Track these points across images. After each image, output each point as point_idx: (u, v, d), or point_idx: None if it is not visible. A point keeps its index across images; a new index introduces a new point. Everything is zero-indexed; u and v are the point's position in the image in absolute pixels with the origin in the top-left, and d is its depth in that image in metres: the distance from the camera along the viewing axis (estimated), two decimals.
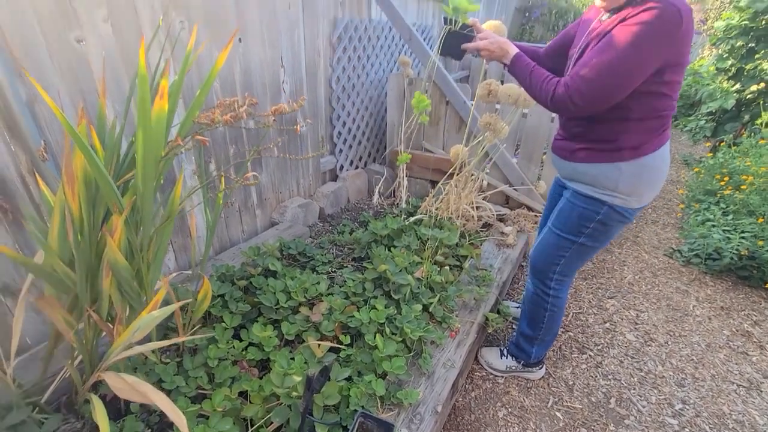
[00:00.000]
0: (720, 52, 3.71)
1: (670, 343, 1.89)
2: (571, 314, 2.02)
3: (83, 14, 1.21)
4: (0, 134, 1.11)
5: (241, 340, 1.33)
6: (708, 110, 3.68)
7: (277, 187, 2.25)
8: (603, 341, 1.87)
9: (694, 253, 2.45)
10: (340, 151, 2.78)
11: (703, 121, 3.79)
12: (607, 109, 1.03)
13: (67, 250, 0.96)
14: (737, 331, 1.99)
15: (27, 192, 1.19)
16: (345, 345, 1.34)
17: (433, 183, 2.80)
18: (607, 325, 1.98)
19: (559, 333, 1.88)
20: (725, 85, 3.66)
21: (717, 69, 3.75)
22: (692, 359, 1.80)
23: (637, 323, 2.00)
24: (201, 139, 0.73)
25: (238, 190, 1.98)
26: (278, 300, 1.45)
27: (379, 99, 3.05)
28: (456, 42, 1.30)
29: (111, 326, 0.99)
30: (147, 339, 1.26)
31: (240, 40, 1.74)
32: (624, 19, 0.95)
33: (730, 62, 3.60)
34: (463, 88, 2.53)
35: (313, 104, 2.31)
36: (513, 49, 1.18)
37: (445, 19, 1.34)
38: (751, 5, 3.25)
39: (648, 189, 1.15)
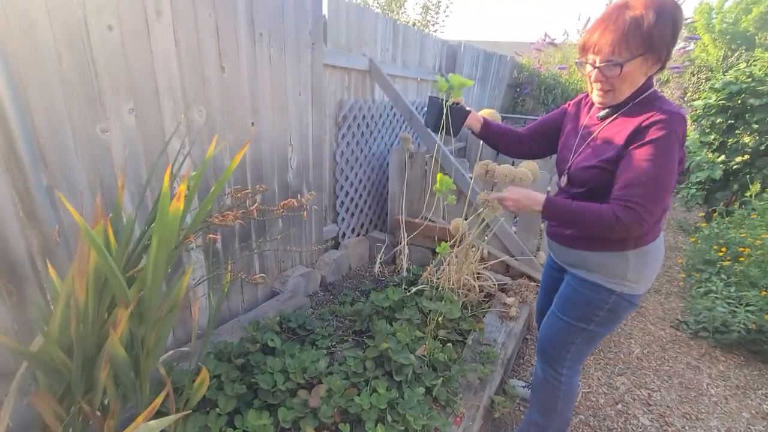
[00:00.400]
0: (702, 127, 3.94)
1: (687, 428, 1.78)
2: (581, 394, 1.93)
3: (111, 106, 1.32)
4: (17, 217, 1.16)
5: (235, 428, 1.26)
6: (697, 179, 3.82)
7: (279, 257, 2.27)
8: (616, 425, 1.77)
9: (702, 325, 2.40)
10: (342, 219, 2.85)
11: (694, 190, 3.91)
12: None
13: (67, 338, 0.95)
14: (757, 413, 1.89)
15: (35, 274, 1.21)
16: None
17: (434, 251, 2.82)
18: (619, 406, 1.88)
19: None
20: (711, 156, 3.83)
21: (701, 142, 3.95)
22: None
23: (650, 404, 1.91)
24: (212, 237, 0.77)
25: (241, 262, 2.01)
26: (276, 381, 1.40)
27: (381, 169, 3.18)
28: (456, 119, 1.40)
29: (102, 419, 0.96)
30: None
31: (252, 123, 1.87)
32: (639, 131, 0.99)
33: (713, 137, 3.80)
34: (461, 163, 2.66)
35: (317, 177, 2.42)
36: (540, 196, 1.15)
37: (434, 98, 1.43)
38: (726, 87, 3.52)
39: (653, 274, 1.18)
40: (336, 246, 2.86)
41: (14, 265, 1.17)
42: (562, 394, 1.34)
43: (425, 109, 3.70)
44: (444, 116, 1.39)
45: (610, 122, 1.11)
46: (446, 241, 2.49)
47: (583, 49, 1.05)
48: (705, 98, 3.76)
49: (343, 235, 2.90)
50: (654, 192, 0.99)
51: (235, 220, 0.80)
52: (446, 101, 1.40)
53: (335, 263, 2.62)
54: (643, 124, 0.99)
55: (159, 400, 0.83)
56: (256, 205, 0.82)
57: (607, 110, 1.12)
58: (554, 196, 1.19)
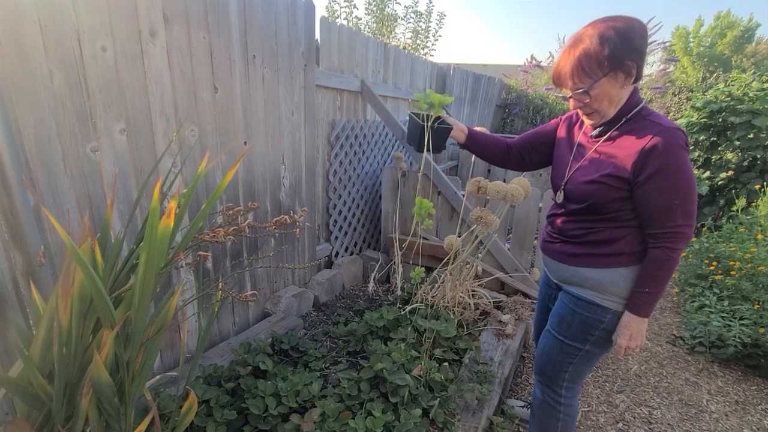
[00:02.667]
0: None
1: None
2: (581, 413, 1.89)
3: (102, 127, 1.32)
4: (1, 239, 1.13)
5: None
6: None
7: (272, 277, 2.23)
8: None
9: (698, 340, 2.39)
10: (336, 238, 2.83)
11: None
12: (607, 216, 1.10)
13: (48, 363, 0.91)
14: (758, 429, 1.86)
15: (18, 296, 1.17)
16: None
17: (429, 269, 2.81)
18: (620, 425, 1.84)
19: None
20: (696, 172, 3.92)
21: None
22: None
23: (651, 422, 1.87)
24: (203, 255, 0.76)
25: (232, 282, 1.97)
26: (267, 406, 1.35)
27: (374, 188, 3.19)
28: (438, 136, 1.34)
29: None
30: None
31: (245, 142, 1.87)
32: (646, 156, 1.00)
33: (697, 153, 3.91)
34: (453, 180, 2.68)
35: (310, 196, 2.41)
36: (639, 320, 1.10)
37: (417, 115, 1.34)
38: (706, 106, 3.64)
39: None
40: (329, 265, 2.83)
41: None
42: (562, 416, 1.30)
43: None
44: (426, 133, 1.35)
45: (607, 138, 1.11)
46: (440, 258, 2.48)
47: (554, 83, 1.12)
48: (687, 116, 3.88)
49: (337, 254, 2.87)
50: (689, 209, 1.02)
51: (226, 237, 0.79)
52: (427, 118, 1.35)
53: (328, 283, 2.58)
54: (647, 147, 1.00)
55: (143, 428, 0.79)
56: (248, 221, 0.81)
57: (599, 128, 1.14)
58: (632, 298, 1.12)
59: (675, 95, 7.49)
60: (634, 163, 1.03)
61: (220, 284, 0.88)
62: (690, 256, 3.03)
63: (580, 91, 1.04)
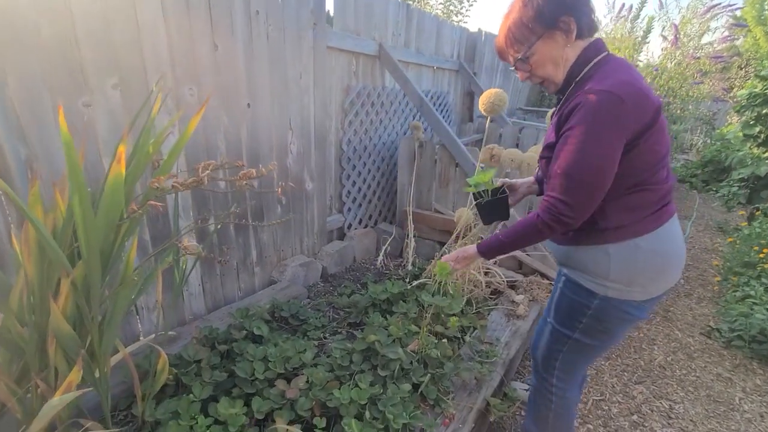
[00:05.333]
0: (746, 119, 3.60)
1: None
2: (591, 401, 1.77)
3: (94, 81, 1.30)
4: None
5: (207, 416, 1.21)
6: (740, 176, 3.49)
7: (278, 246, 2.22)
8: None
9: (736, 333, 2.17)
10: (349, 209, 2.77)
11: (736, 188, 3.58)
12: None
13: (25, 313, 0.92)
14: None
15: (11, 249, 1.20)
16: (320, 429, 1.19)
17: (441, 244, 2.71)
18: (635, 417, 1.71)
19: (577, 425, 1.63)
20: (756, 151, 3.50)
21: (745, 135, 3.62)
22: None
23: (670, 417, 1.72)
24: (155, 204, 0.71)
25: (237, 248, 1.96)
26: (254, 370, 1.34)
27: (391, 160, 3.08)
28: (499, 207, 1.25)
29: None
30: (98, 413, 1.16)
31: (249, 105, 1.82)
32: (566, 117, 0.90)
33: (758, 129, 3.47)
34: (473, 152, 2.53)
35: (320, 165, 2.35)
36: (472, 248, 1.16)
37: (476, 194, 1.27)
38: None
39: (651, 278, 0.98)
40: (341, 237, 2.79)
41: None
42: (554, 406, 1.20)
43: (446, 101, 3.56)
44: (493, 206, 1.25)
45: (559, 108, 0.98)
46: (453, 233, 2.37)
47: (501, 59, 1.05)
48: (750, 87, 3.43)
49: (349, 225, 2.82)
50: (572, 188, 0.89)
51: (184, 187, 0.73)
52: (487, 194, 1.25)
53: (338, 254, 2.55)
54: (566, 110, 0.90)
55: (74, 377, 0.77)
56: (207, 173, 0.75)
57: (558, 98, 1.02)
58: (485, 239, 1.13)
59: (741, 68, 6.70)
60: (556, 124, 0.94)
61: (175, 239, 0.83)
62: (738, 242, 2.73)
63: (519, 59, 0.97)
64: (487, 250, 1.11)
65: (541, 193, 1.16)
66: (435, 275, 2.21)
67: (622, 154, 0.87)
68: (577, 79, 0.94)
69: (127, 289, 0.86)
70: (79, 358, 0.76)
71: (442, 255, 2.31)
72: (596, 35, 0.97)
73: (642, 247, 0.95)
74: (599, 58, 0.93)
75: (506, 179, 1.29)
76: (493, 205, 1.23)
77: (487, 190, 1.23)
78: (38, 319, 0.85)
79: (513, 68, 1.02)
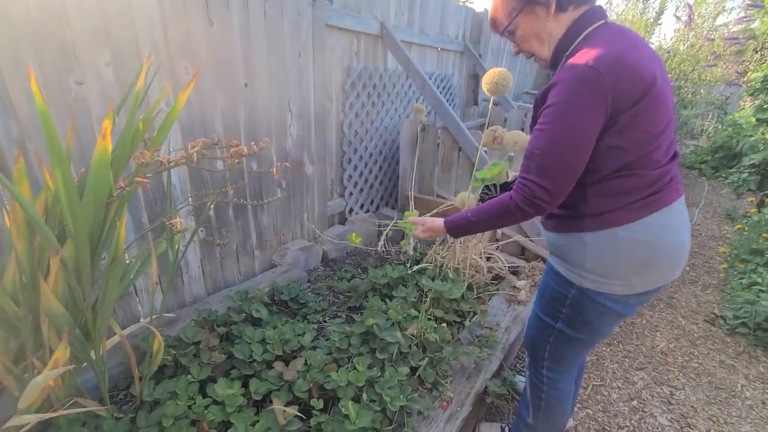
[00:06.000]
0: (759, 102, 3.49)
1: (713, 431, 1.59)
2: (591, 386, 1.76)
3: (85, 58, 1.26)
4: None
5: (206, 396, 1.21)
6: (751, 162, 3.41)
7: (279, 229, 2.20)
8: (629, 423, 1.60)
9: (741, 320, 2.14)
10: (350, 194, 2.75)
11: (746, 174, 3.50)
12: None
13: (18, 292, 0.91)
14: None
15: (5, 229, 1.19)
16: (317, 410, 1.20)
17: None
18: (635, 402, 1.70)
19: (576, 410, 1.63)
20: None
21: (758, 120, 3.51)
22: None
23: (671, 403, 1.71)
24: (142, 181, 0.68)
25: (237, 231, 1.95)
26: (252, 352, 1.34)
27: (393, 144, 3.04)
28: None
29: None
30: (98, 393, 1.17)
31: (246, 85, 1.78)
32: (544, 96, 0.86)
33: None
34: (476, 135, 2.48)
35: (321, 148, 2.31)
36: (439, 222, 1.13)
37: (487, 187, 1.27)
38: None
39: (635, 271, 0.90)
40: (343, 221, 2.77)
41: None
42: (545, 396, 1.18)
43: (450, 84, 3.48)
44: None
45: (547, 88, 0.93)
46: None
47: (492, 30, 1.02)
48: (765, 69, 3.32)
49: (351, 210, 2.80)
50: (546, 167, 0.84)
51: (174, 164, 0.71)
52: (496, 188, 1.25)
53: (339, 239, 2.53)
54: (546, 87, 0.85)
55: (61, 354, 0.77)
56: (196, 149, 0.73)
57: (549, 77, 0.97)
58: (453, 215, 1.10)
59: (756, 51, 6.49)
60: (535, 109, 0.91)
61: (167, 218, 0.82)
62: (746, 229, 2.68)
63: (507, 31, 0.96)
64: (453, 227, 1.08)
65: None
66: (434, 260, 2.19)
67: (604, 134, 0.82)
68: (567, 53, 0.89)
69: (118, 268, 0.84)
70: (64, 334, 0.76)
71: (444, 240, 2.29)
72: (596, 4, 0.90)
73: (622, 237, 0.87)
74: (591, 29, 0.87)
75: (518, 174, 1.27)
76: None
77: (495, 185, 1.21)
78: (30, 298, 0.84)
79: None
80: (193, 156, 0.73)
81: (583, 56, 0.80)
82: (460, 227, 1.07)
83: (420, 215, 1.29)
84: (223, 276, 1.95)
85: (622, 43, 0.81)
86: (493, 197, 1.06)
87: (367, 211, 2.97)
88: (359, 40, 2.47)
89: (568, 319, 1.01)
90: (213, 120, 1.68)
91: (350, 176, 2.70)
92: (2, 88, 1.11)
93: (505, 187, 1.20)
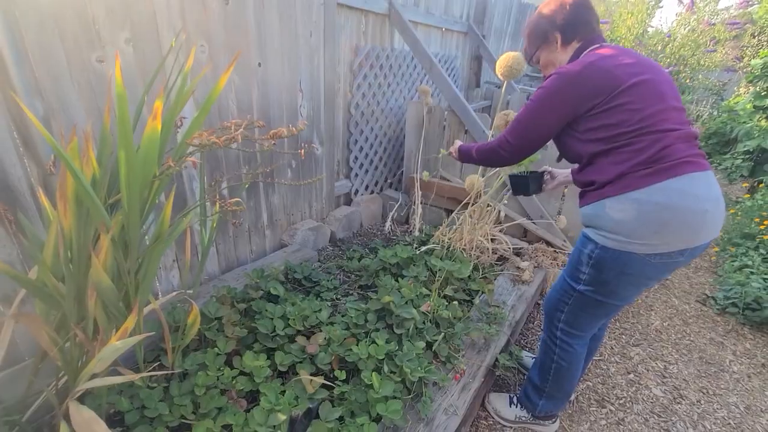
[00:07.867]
0: (758, 89, 3.55)
1: (703, 402, 1.70)
2: (591, 361, 1.86)
3: (106, 36, 1.25)
4: (15, 148, 1.14)
5: (233, 368, 1.27)
6: (745, 149, 3.49)
7: (288, 209, 2.23)
8: (626, 394, 1.70)
9: (731, 301, 2.26)
10: (356, 175, 2.77)
11: (740, 160, 3.59)
12: (577, 155, 1.14)
13: (60, 267, 0.94)
14: None
15: (36, 205, 1.21)
16: (340, 381, 1.26)
17: (449, 212, 2.73)
18: (631, 376, 1.81)
19: (577, 383, 1.73)
20: (764, 123, 3.48)
21: (755, 107, 3.58)
22: (729, 423, 1.61)
23: (665, 376, 1.83)
24: (192, 160, 0.71)
25: (249, 211, 1.98)
26: (275, 327, 1.39)
27: (398, 125, 3.05)
28: (536, 181, 1.47)
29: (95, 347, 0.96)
30: (134, 362, 1.23)
31: (259, 64, 1.77)
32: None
33: None
34: (482, 118, 2.50)
35: (330, 128, 2.32)
36: (458, 143, 1.55)
37: (516, 174, 1.48)
38: None
39: (655, 230, 0.98)
40: (348, 202, 2.81)
41: (15, 194, 1.16)
42: (557, 357, 1.28)
43: (454, 65, 3.47)
44: (529, 182, 1.46)
45: None
46: (461, 201, 2.39)
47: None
48: (764, 56, 3.36)
49: (356, 191, 2.83)
50: (516, 128, 1.19)
51: (218, 142, 0.74)
52: (527, 173, 1.48)
53: (346, 219, 2.57)
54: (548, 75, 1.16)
55: (130, 323, 0.81)
56: (239, 131, 0.75)
57: None
58: (467, 143, 1.50)
59: (754, 36, 6.51)
60: None
61: (217, 200, 0.85)
62: (739, 213, 2.78)
63: (532, 60, 1.29)
64: (462, 152, 1.49)
65: (574, 181, 1.22)
66: (441, 241, 2.25)
67: (590, 116, 1.05)
68: None
69: (163, 244, 0.88)
70: (135, 304, 0.79)
71: (451, 221, 2.35)
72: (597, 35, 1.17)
73: (639, 199, 0.98)
74: (586, 51, 1.14)
75: (548, 167, 1.51)
76: (533, 178, 1.45)
77: (526, 171, 1.48)
78: (76, 272, 0.87)
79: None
80: (238, 136, 0.75)
81: (569, 65, 1.10)
82: (466, 154, 1.46)
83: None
84: (236, 254, 1.99)
85: (600, 56, 1.07)
86: (520, 177, 1.44)
87: (372, 192, 3.00)
88: (367, 19, 2.45)
89: (590, 280, 1.13)
90: (227, 99, 1.68)
91: (356, 157, 2.72)
92: (29, 69, 1.11)
93: (535, 175, 1.45)
